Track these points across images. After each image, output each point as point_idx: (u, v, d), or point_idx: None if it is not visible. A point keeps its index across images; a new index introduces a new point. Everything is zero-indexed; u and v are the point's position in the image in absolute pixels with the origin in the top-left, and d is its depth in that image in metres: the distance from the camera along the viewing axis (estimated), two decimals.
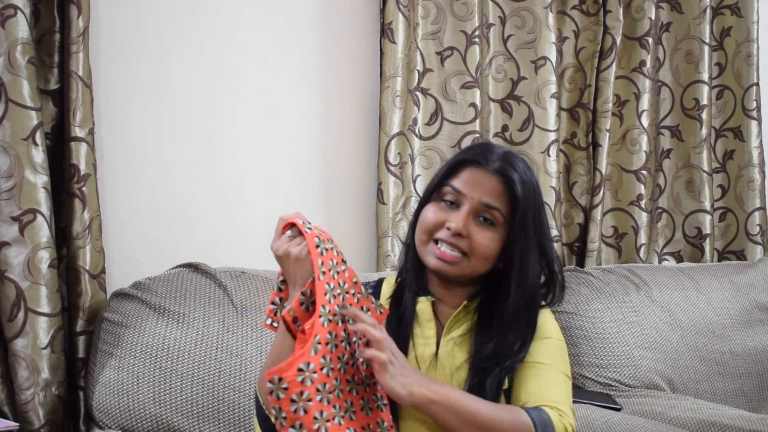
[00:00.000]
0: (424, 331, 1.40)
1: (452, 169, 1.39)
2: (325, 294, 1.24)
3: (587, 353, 2.29)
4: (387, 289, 1.46)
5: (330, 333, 1.23)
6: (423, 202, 1.41)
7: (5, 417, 1.79)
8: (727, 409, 2.08)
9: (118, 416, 1.76)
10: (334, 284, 1.26)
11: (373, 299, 1.33)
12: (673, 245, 2.88)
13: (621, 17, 2.63)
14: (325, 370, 1.21)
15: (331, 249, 1.28)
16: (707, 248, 2.83)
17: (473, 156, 1.38)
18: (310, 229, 1.27)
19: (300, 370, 1.18)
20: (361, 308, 1.31)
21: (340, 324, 1.25)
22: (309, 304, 1.25)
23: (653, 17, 2.70)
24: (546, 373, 1.36)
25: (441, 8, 2.41)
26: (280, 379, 1.17)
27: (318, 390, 1.19)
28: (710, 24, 2.83)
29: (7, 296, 1.76)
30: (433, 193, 1.40)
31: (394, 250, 2.31)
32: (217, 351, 1.84)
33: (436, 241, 1.35)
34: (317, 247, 1.25)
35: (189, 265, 1.98)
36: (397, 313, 1.40)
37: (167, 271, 1.97)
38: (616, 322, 2.34)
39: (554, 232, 2.54)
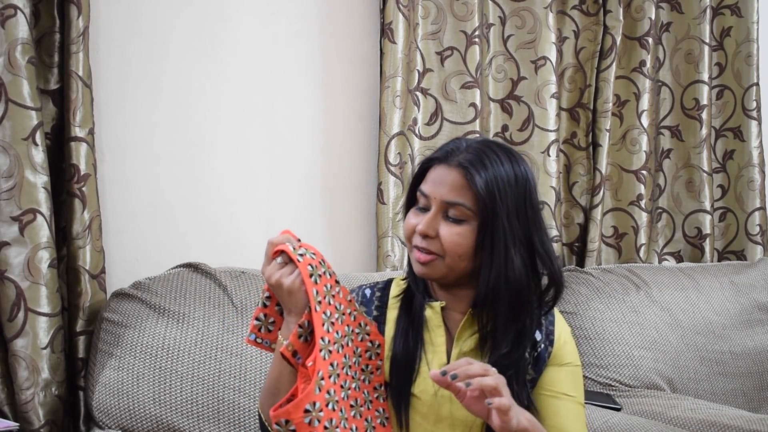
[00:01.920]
0: (434, 338, 1.36)
1: (421, 172, 1.37)
2: (323, 324, 1.22)
3: (587, 353, 2.29)
4: (395, 291, 1.43)
5: (331, 364, 1.21)
6: (405, 210, 1.39)
7: (5, 417, 1.79)
8: (727, 409, 2.08)
9: (118, 416, 1.76)
10: (330, 311, 1.23)
11: (364, 314, 1.33)
12: (673, 245, 2.88)
13: (621, 17, 2.63)
14: (330, 405, 1.19)
15: (324, 273, 1.24)
16: (707, 248, 2.83)
17: (438, 155, 1.35)
18: (301, 256, 1.23)
19: (306, 411, 1.16)
20: (358, 324, 1.30)
21: (340, 351, 1.24)
22: (307, 335, 1.23)
23: (653, 17, 2.70)
24: (571, 407, 1.36)
25: (441, 8, 2.41)
26: (287, 422, 1.16)
27: (326, 428, 1.18)
28: (710, 24, 2.83)
29: (7, 296, 1.76)
30: (411, 199, 1.38)
31: (394, 250, 2.31)
32: (217, 351, 1.84)
33: (416, 247, 1.33)
34: (311, 276, 1.22)
35: (189, 265, 1.98)
36: (407, 317, 1.37)
37: (167, 271, 1.97)
38: (616, 322, 2.34)
39: (554, 232, 2.54)
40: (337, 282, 1.27)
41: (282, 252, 1.24)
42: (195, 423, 1.78)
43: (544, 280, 1.35)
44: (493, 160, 1.30)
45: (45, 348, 1.79)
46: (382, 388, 1.31)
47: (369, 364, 1.31)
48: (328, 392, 1.20)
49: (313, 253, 1.25)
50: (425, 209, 1.33)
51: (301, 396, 1.17)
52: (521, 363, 1.34)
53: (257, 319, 1.30)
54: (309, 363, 1.19)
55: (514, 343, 1.32)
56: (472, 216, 1.29)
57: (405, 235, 1.36)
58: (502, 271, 1.28)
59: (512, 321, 1.31)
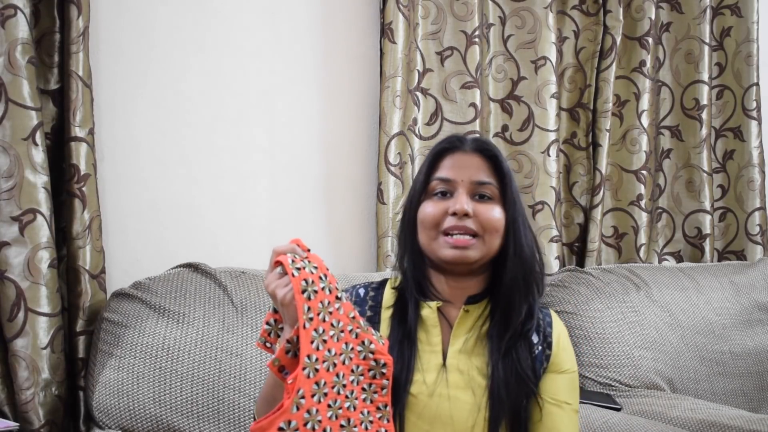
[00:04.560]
0: (430, 338, 1.36)
1: (432, 163, 1.38)
2: (312, 342, 1.19)
3: (587, 353, 2.29)
4: (388, 294, 1.42)
5: (317, 383, 1.19)
6: (414, 206, 1.39)
7: (5, 417, 1.79)
8: (727, 409, 2.08)
9: (118, 416, 1.76)
10: (324, 328, 1.21)
11: (374, 331, 1.28)
12: (673, 245, 2.88)
13: (621, 17, 2.63)
14: (309, 425, 1.18)
15: (323, 289, 1.22)
16: (707, 248, 2.83)
17: (448, 144, 1.39)
18: (299, 270, 1.21)
19: (281, 429, 1.15)
20: (362, 342, 1.26)
21: (330, 369, 1.21)
22: (296, 351, 1.21)
23: (653, 17, 2.70)
24: (569, 415, 1.37)
25: (441, 8, 2.41)
26: None
27: None
28: (710, 24, 2.83)
29: (7, 296, 1.76)
30: (422, 193, 1.38)
31: (394, 250, 2.30)
32: (217, 351, 1.84)
33: (446, 233, 1.33)
34: (303, 291, 1.20)
35: (189, 265, 1.98)
36: (401, 326, 1.36)
37: (167, 271, 1.97)
38: (616, 322, 2.34)
39: (554, 232, 2.54)
40: (338, 298, 1.24)
41: (281, 263, 1.23)
42: (195, 423, 1.78)
43: None
44: (496, 147, 1.41)
45: (45, 348, 1.79)
46: (387, 408, 1.28)
47: (372, 383, 1.27)
48: (309, 411, 1.17)
49: (315, 267, 1.23)
50: (446, 194, 1.36)
51: (278, 412, 1.16)
52: (530, 336, 1.37)
53: (267, 323, 1.29)
54: (290, 381, 1.18)
55: (527, 315, 1.37)
56: (498, 195, 1.36)
57: (430, 223, 1.35)
58: (519, 246, 1.35)
59: (526, 296, 1.37)
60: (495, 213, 1.34)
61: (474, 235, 1.33)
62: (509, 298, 1.36)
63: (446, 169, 1.36)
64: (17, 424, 1.74)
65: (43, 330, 1.79)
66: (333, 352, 1.22)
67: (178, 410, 1.78)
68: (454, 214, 1.32)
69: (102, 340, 1.83)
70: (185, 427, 1.77)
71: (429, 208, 1.35)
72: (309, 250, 1.25)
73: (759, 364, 2.47)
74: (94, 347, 1.85)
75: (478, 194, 1.35)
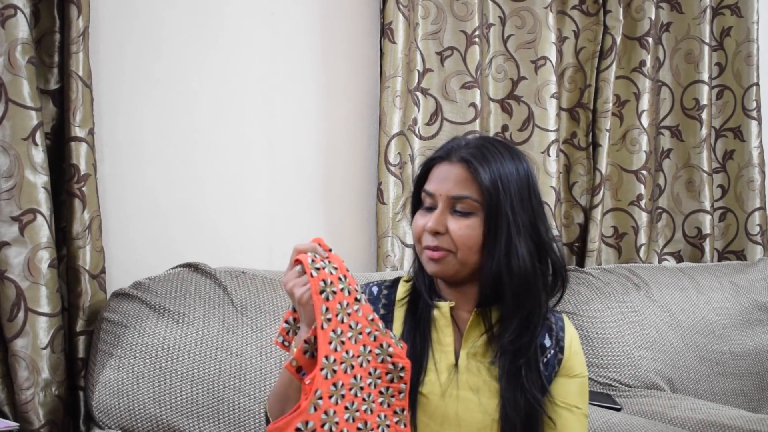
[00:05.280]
0: (442, 338, 1.36)
1: (423, 173, 1.38)
2: (330, 343, 1.19)
3: (587, 353, 2.29)
4: (402, 290, 1.43)
5: (334, 384, 1.18)
6: (412, 213, 1.40)
7: (5, 417, 1.79)
8: (727, 409, 2.08)
9: (118, 416, 1.76)
10: (342, 329, 1.20)
11: (392, 333, 1.27)
12: (673, 245, 2.88)
13: (621, 17, 2.63)
14: (327, 426, 1.17)
15: (342, 290, 1.21)
16: (707, 248, 2.83)
17: (438, 154, 1.37)
18: (318, 270, 1.20)
19: (298, 429, 1.15)
20: (380, 345, 1.25)
21: (348, 371, 1.20)
22: (313, 351, 1.20)
23: (653, 17, 2.70)
24: (580, 419, 1.38)
25: (441, 8, 2.41)
26: None
27: None
28: (710, 24, 2.83)
29: (7, 296, 1.76)
30: (417, 203, 1.39)
31: (394, 250, 2.31)
32: (217, 351, 1.84)
33: (426, 247, 1.34)
34: (322, 292, 1.19)
35: (189, 265, 1.98)
36: (413, 320, 1.37)
37: (167, 271, 1.97)
38: (616, 322, 2.34)
39: (554, 232, 2.54)
40: (357, 300, 1.23)
41: (301, 262, 1.22)
42: (195, 423, 1.78)
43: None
44: (494, 153, 1.32)
45: (45, 348, 1.79)
46: (404, 412, 1.27)
47: (390, 386, 1.26)
48: (326, 413, 1.17)
49: (335, 267, 1.22)
50: (432, 208, 1.34)
51: (295, 413, 1.16)
52: (531, 351, 1.34)
53: (286, 322, 1.29)
54: (307, 381, 1.17)
55: (520, 330, 1.33)
56: (479, 208, 1.30)
57: (414, 236, 1.36)
58: (503, 260, 1.29)
59: (516, 309, 1.32)
60: (466, 228, 1.30)
61: (447, 250, 1.31)
62: (500, 314, 1.34)
63: (431, 182, 1.35)
64: (17, 424, 1.74)
65: (43, 330, 1.79)
66: (351, 354, 1.21)
67: (178, 410, 1.78)
68: (427, 230, 1.32)
69: (102, 340, 1.84)
70: (185, 427, 1.78)
71: (416, 221, 1.36)
72: (330, 250, 1.25)
73: (759, 364, 2.47)
74: (94, 347, 1.85)
75: (456, 208, 1.31)
